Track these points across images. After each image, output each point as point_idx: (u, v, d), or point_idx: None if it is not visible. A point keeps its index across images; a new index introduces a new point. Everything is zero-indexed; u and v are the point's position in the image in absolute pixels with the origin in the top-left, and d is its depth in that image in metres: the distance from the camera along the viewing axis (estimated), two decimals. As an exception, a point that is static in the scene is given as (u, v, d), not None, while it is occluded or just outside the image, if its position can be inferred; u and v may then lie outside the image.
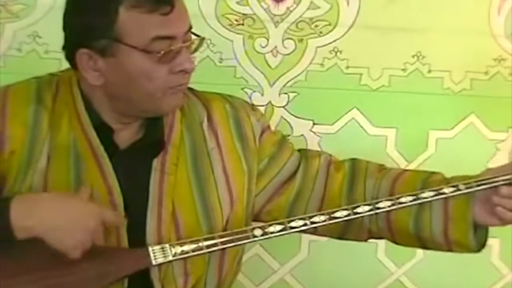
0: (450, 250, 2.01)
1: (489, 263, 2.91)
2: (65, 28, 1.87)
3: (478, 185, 1.90)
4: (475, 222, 1.95)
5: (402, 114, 2.78)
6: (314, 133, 2.75)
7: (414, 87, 2.76)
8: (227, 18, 2.63)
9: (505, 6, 2.75)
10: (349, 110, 2.76)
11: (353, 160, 2.10)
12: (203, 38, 1.90)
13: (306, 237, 2.79)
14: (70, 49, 1.87)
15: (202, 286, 2.01)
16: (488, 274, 2.94)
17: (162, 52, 1.81)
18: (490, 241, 2.77)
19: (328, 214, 1.93)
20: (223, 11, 2.63)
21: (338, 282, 2.88)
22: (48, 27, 2.52)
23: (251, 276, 2.81)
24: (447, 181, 1.97)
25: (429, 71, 2.76)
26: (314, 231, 2.04)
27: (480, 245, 2.00)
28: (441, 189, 1.92)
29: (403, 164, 2.78)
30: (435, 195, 1.92)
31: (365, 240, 2.12)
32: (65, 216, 1.78)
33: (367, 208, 1.93)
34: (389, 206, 1.93)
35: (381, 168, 2.10)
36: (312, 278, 2.86)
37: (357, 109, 2.76)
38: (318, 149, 2.68)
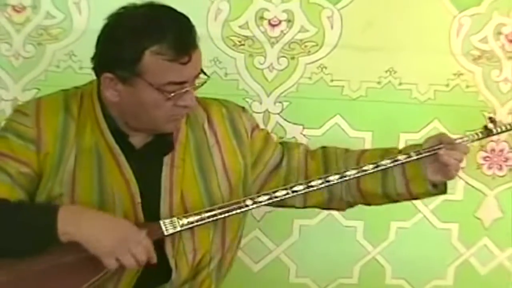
0: (416, 198, 2.09)
1: (449, 244, 2.92)
2: (97, 51, 1.87)
3: (426, 152, 1.94)
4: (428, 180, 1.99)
5: (377, 120, 2.79)
6: (304, 135, 2.75)
7: (387, 97, 2.77)
8: (231, 39, 2.64)
9: (463, 30, 2.74)
10: (333, 116, 2.76)
11: (323, 148, 2.13)
12: (209, 78, 1.90)
13: (297, 222, 2.81)
14: (98, 69, 1.88)
15: (207, 260, 2.01)
16: (449, 252, 2.94)
17: (172, 94, 1.82)
18: (451, 226, 2.88)
19: (306, 183, 1.96)
20: (228, 33, 2.64)
21: (324, 260, 2.87)
22: (82, 48, 2.53)
23: (251, 255, 2.82)
24: (398, 152, 2.02)
25: (400, 83, 2.76)
26: (305, 205, 2.09)
27: (441, 191, 2.04)
28: (396, 157, 1.96)
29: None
30: (392, 162, 1.95)
31: (345, 209, 2.16)
32: (101, 227, 1.81)
33: (337, 176, 1.95)
34: (354, 174, 1.96)
35: (347, 150, 2.12)
36: (302, 257, 2.87)
37: (340, 115, 2.76)
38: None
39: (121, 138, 1.92)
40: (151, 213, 1.90)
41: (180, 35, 1.80)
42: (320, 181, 1.95)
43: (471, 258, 2.95)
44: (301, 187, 1.95)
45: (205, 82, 1.89)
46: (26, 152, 1.89)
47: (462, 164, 1.98)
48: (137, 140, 1.95)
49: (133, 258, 1.81)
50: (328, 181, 1.96)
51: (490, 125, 2.03)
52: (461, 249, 2.94)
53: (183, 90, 1.83)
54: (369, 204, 2.11)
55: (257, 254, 2.84)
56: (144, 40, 1.79)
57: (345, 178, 1.96)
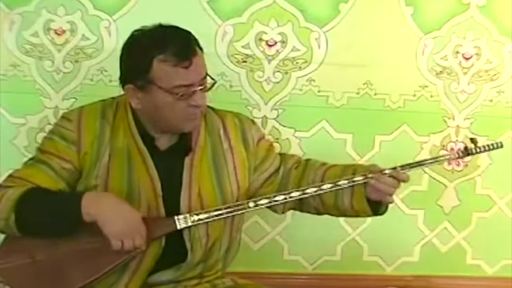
0: (358, 215, 2.03)
1: (416, 227, 2.92)
2: (120, 68, 1.91)
3: (383, 174, 1.91)
4: (368, 198, 1.95)
5: (356, 124, 2.78)
6: (296, 137, 2.75)
7: (365, 105, 2.75)
8: (235, 57, 2.64)
9: (427, 49, 2.73)
10: (320, 121, 2.75)
11: (307, 160, 2.10)
12: (215, 81, 1.91)
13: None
14: (121, 83, 1.91)
15: (218, 244, 2.02)
16: (415, 234, 2.94)
17: (180, 94, 1.82)
18: (417, 212, 2.82)
19: (301, 191, 1.95)
20: (232, 52, 2.63)
21: (312, 241, 2.87)
22: (111, 64, 2.54)
23: (252, 236, 2.84)
24: (354, 169, 1.98)
25: (375, 94, 2.75)
26: (283, 211, 2.08)
27: (377, 211, 1.98)
28: (352, 178, 1.93)
29: (357, 159, 2.78)
30: (348, 182, 1.93)
31: (314, 213, 2.10)
32: (115, 213, 1.82)
33: (298, 193, 1.95)
34: (314, 191, 1.94)
35: (322, 163, 2.08)
36: (294, 238, 2.88)
37: (326, 120, 2.75)
38: (299, 149, 2.73)
39: (148, 140, 1.93)
40: (172, 204, 1.91)
41: (179, 43, 1.82)
42: (314, 189, 1.95)
43: (434, 238, 2.95)
44: (297, 193, 1.95)
45: (213, 84, 1.90)
46: (68, 151, 1.91)
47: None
48: (162, 143, 1.95)
49: (133, 243, 1.82)
50: (321, 190, 1.95)
51: (471, 146, 1.99)
52: (426, 231, 2.94)
53: (191, 90, 1.83)
54: (330, 214, 2.07)
55: (257, 235, 2.84)
56: (151, 51, 1.81)
57: (320, 192, 1.95)
